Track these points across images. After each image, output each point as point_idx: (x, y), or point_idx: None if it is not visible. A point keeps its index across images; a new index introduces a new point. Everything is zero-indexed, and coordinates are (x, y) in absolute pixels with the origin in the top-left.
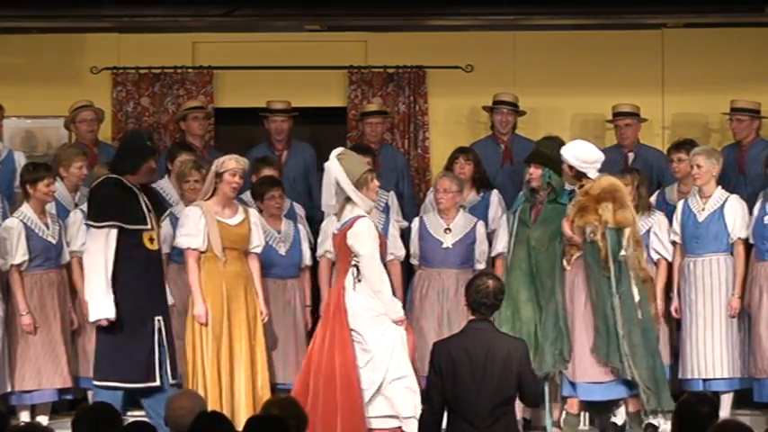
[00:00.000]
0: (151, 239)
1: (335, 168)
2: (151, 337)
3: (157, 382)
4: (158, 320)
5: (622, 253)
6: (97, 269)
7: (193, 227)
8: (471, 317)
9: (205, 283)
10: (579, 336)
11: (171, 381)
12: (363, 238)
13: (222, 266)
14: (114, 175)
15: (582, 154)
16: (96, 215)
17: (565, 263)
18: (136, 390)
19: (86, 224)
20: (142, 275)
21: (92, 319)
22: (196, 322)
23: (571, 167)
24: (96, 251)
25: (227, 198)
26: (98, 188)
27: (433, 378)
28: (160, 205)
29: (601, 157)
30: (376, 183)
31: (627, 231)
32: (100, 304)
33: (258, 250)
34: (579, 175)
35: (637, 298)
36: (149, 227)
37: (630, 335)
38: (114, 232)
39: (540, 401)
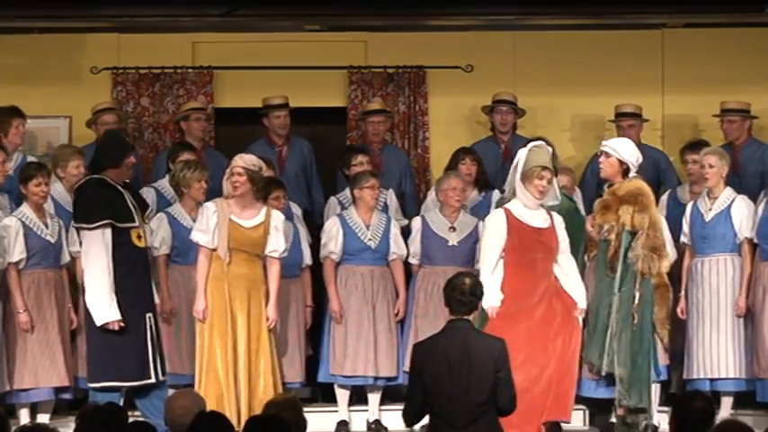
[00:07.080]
0: (139, 237)
1: (520, 154)
2: (144, 334)
3: (153, 379)
4: (149, 317)
5: (630, 254)
6: (100, 273)
7: (205, 223)
8: (450, 316)
9: (211, 280)
10: None
11: (161, 377)
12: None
13: (225, 267)
14: (96, 175)
15: (636, 154)
16: (87, 216)
17: (586, 259)
18: (133, 388)
19: (77, 227)
20: (132, 273)
21: (99, 323)
22: (206, 321)
23: (622, 164)
24: (97, 254)
25: (242, 197)
26: (83, 189)
27: (412, 377)
28: (143, 203)
29: None
30: (543, 182)
31: (640, 235)
32: (106, 308)
33: (276, 255)
34: (624, 174)
35: (636, 301)
36: (137, 224)
37: (621, 334)
38: (109, 231)
39: (515, 407)
